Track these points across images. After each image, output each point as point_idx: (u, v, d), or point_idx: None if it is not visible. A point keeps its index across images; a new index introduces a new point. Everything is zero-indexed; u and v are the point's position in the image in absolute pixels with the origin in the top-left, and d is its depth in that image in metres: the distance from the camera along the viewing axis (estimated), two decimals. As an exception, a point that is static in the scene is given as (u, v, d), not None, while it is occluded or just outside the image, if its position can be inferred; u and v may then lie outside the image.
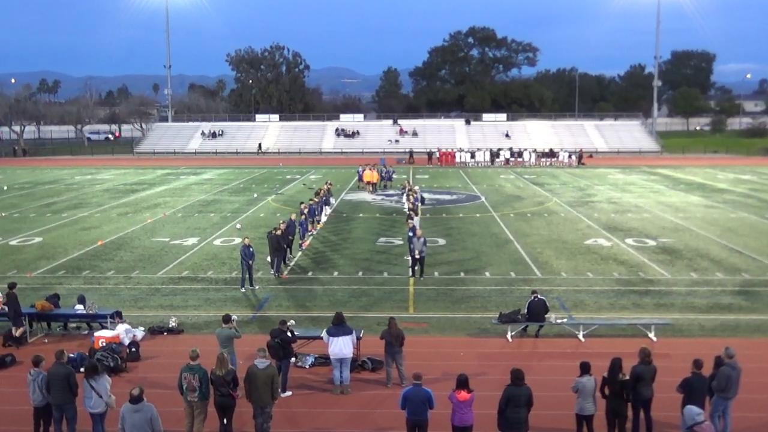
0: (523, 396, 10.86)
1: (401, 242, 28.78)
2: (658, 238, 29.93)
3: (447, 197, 44.36)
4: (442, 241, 29.38)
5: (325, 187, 37.48)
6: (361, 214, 37.26)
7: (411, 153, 76.11)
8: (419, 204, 35.16)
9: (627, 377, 11.60)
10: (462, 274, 23.74)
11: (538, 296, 17.34)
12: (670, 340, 17.06)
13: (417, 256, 22.94)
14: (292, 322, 15.28)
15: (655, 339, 16.98)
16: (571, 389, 11.79)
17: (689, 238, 29.86)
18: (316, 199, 33.41)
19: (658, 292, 21.48)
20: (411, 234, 23.82)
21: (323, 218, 34.66)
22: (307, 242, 29.15)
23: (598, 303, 20.32)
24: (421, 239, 22.97)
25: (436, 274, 23.75)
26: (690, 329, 17.90)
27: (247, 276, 21.87)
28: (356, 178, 53.70)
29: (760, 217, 35.28)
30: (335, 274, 23.97)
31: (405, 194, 38.52)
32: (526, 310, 17.36)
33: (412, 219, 26.97)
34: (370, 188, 47.26)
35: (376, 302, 20.49)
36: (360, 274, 23.90)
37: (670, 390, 12.01)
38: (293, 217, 26.77)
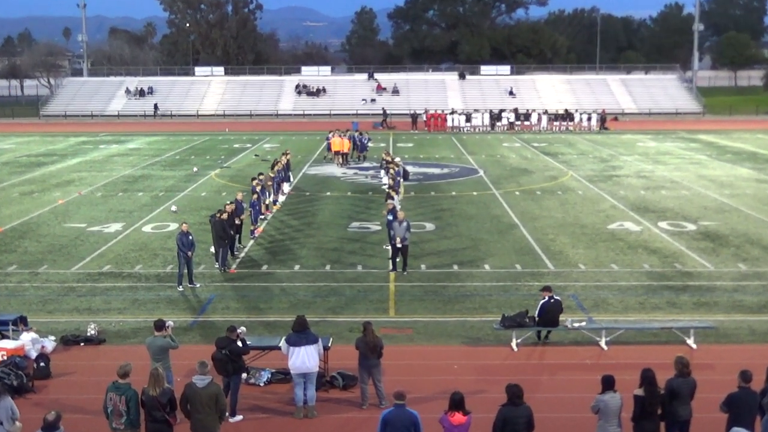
0: (521, 418, 10.92)
1: (379, 227, 28.93)
2: (698, 220, 30.27)
3: (436, 171, 44.44)
4: (430, 226, 29.55)
5: (283, 159, 37.31)
6: (328, 193, 37.22)
7: (386, 114, 75.73)
8: (401, 180, 35.25)
9: (660, 392, 11.70)
10: (455, 268, 23.88)
11: (554, 297, 17.48)
12: (713, 347, 17.25)
13: (399, 245, 23.01)
14: (243, 329, 15.26)
15: (694, 346, 17.18)
16: (591, 409, 11.83)
17: (737, 221, 30.19)
18: (272, 174, 33.30)
19: (698, 288, 21.71)
20: (391, 218, 23.88)
21: (281, 198, 34.62)
22: (261, 228, 29.16)
23: (624, 302, 20.50)
24: (404, 224, 23.00)
25: (422, 267, 23.88)
26: (737, 334, 18.08)
27: (186, 271, 21.90)
28: (323, 147, 53.82)
29: (826, 195, 35.97)
30: (296, 268, 24.03)
31: (383, 167, 38.52)
32: (537, 313, 17.48)
33: (392, 199, 26.95)
34: (340, 160, 47.21)
35: (348, 303, 20.60)
36: (327, 267, 23.99)
37: (712, 408, 12.10)
38: (240, 196, 26.65)
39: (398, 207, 25.93)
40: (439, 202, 34.68)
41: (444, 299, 20.86)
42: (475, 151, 54.35)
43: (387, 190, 30.11)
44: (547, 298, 17.34)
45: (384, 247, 25.85)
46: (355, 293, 21.41)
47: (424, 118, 72.19)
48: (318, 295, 21.25)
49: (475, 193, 36.57)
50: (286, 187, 36.32)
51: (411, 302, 20.61)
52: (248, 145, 59.08)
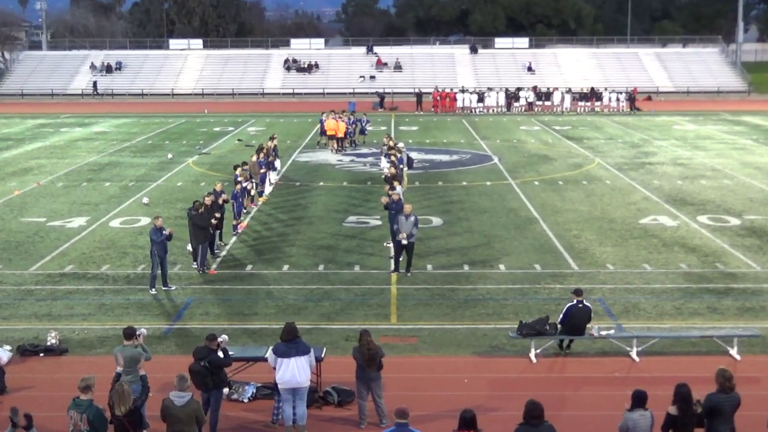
0: (540, 440, 11.08)
1: (379, 222, 28.99)
2: (743, 214, 30.24)
3: (444, 158, 44.51)
4: (437, 221, 29.59)
5: (270, 144, 37.16)
6: (321, 183, 37.27)
7: (383, 96, 75.81)
8: (405, 168, 35.24)
9: (699, 408, 11.74)
10: (466, 268, 23.91)
11: (584, 302, 17.45)
12: (760, 358, 17.24)
13: (404, 243, 23.05)
14: (225, 337, 15.29)
15: (738, 357, 17.14)
16: (619, 429, 11.86)
17: (788, 215, 30.56)
18: (255, 159, 33.21)
19: (743, 291, 21.68)
20: (393, 211, 24.05)
21: (267, 189, 34.63)
22: (245, 223, 29.24)
23: (658, 307, 20.53)
24: (411, 218, 23.12)
25: (429, 267, 23.90)
26: (788, 343, 18.30)
27: (159, 272, 21.94)
28: (315, 130, 53.62)
29: None
30: (285, 268, 24.04)
31: (384, 154, 38.46)
32: (560, 319, 17.47)
33: (394, 189, 26.98)
34: (335, 145, 47.22)
35: (344, 308, 20.64)
36: (320, 268, 24.01)
37: (759, 428, 12.25)
38: (218, 187, 26.62)
39: (402, 199, 26.00)
40: (448, 193, 34.75)
41: (453, 304, 20.87)
42: (488, 135, 54.35)
43: (389, 180, 30.07)
44: (575, 301, 17.34)
45: (385, 244, 25.94)
46: (352, 297, 21.44)
47: (432, 98, 72.68)
48: (310, 300, 21.26)
49: (488, 183, 36.58)
50: (273, 177, 36.37)
51: (415, 307, 20.63)
52: (230, 129, 59.11)
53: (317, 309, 20.54)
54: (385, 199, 25.59)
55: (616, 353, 17.51)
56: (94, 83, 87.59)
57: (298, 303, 21.00)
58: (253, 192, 31.58)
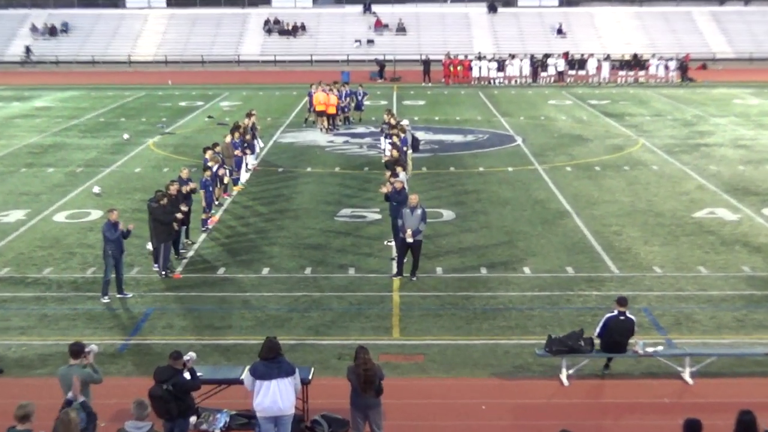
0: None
1: (379, 216, 29.17)
2: (818, 206, 30.78)
3: (457, 139, 44.63)
4: (448, 215, 29.69)
5: (247, 121, 37.07)
6: (309, 169, 37.45)
7: (382, 64, 75.43)
8: (409, 151, 35.15)
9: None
10: (483, 271, 23.98)
11: (626, 313, 17.47)
12: (839, 380, 17.60)
13: (409, 241, 23.10)
14: (192, 355, 15.23)
15: (812, 379, 17.50)
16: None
17: None
18: (229, 140, 33.12)
19: (818, 299, 22.11)
20: (396, 202, 24.20)
21: (243, 175, 34.66)
22: (216, 217, 29.34)
23: (716, 319, 20.52)
24: (418, 212, 23.16)
25: (438, 270, 24.01)
26: None
27: (114, 276, 21.96)
28: (301, 105, 53.61)
29: None
30: (265, 271, 24.13)
31: (385, 134, 38.42)
32: (597, 332, 17.42)
33: (397, 176, 26.89)
34: (326, 123, 47.16)
35: (337, 320, 20.69)
36: (308, 271, 24.10)
37: (838, 465, 12.20)
38: (184, 174, 26.59)
39: (407, 187, 25.97)
40: (462, 181, 34.82)
41: (468, 315, 20.91)
42: (510, 111, 54.31)
43: (390, 165, 30.02)
44: (616, 312, 17.36)
45: (386, 243, 26.06)
46: (346, 307, 21.48)
47: (442, 67, 72.31)
48: (295, 310, 21.28)
49: (510, 170, 36.67)
50: (250, 161, 36.27)
51: (422, 319, 20.67)
52: (199, 104, 59.21)
53: (304, 321, 20.53)
54: (385, 189, 25.51)
55: (665, 374, 17.47)
56: (27, 48, 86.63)
57: (281, 314, 21.01)
58: (226, 180, 31.51)
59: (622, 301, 17.54)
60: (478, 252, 25.60)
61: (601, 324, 17.42)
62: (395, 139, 33.75)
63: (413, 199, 23.53)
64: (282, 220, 29.18)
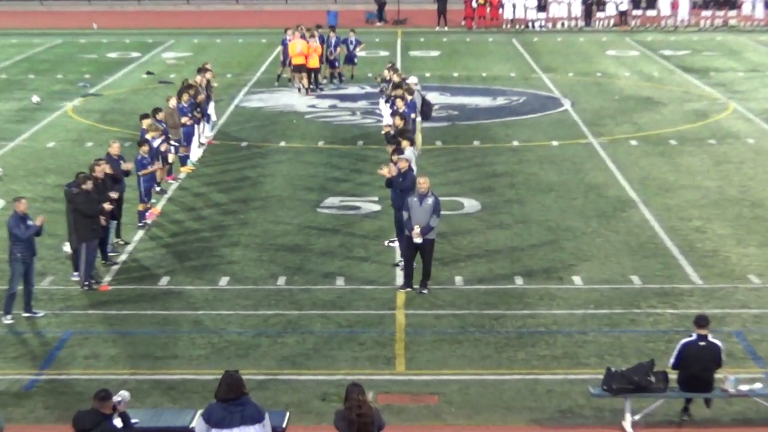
0: None
1: (377, 207, 29.44)
2: None
3: (484, 102, 44.94)
4: (472, 205, 29.84)
5: (200, 79, 36.91)
6: (282, 143, 37.87)
7: (382, 2, 73.91)
8: (419, 119, 35.05)
9: None
10: (519, 282, 24.01)
11: (709, 337, 17.33)
12: None
13: (417, 241, 23.01)
14: (125, 395, 15.08)
15: None
16: None
17: None
18: (175, 105, 33.00)
19: None
20: (401, 189, 24.11)
21: (195, 152, 34.82)
22: (158, 209, 29.56)
23: (835, 347, 20.35)
24: (428, 200, 23.12)
25: (458, 281, 24.06)
26: None
27: (21, 287, 21.90)
28: (273, 57, 53.85)
29: None
30: (223, 281, 24.16)
31: (386, 97, 38.21)
32: (672, 362, 17.32)
33: (402, 153, 26.75)
34: (306, 82, 47.08)
35: (320, 348, 20.59)
36: (281, 282, 24.16)
37: None
38: (115, 149, 26.45)
39: (415, 168, 25.81)
40: (489, 160, 34.99)
41: (497, 340, 20.77)
42: (554, 65, 54.59)
43: (392, 137, 29.94)
44: (695, 336, 17.25)
45: (387, 243, 26.16)
46: (333, 330, 21.38)
47: (463, 6, 71.37)
48: (264, 333, 21.18)
49: (555, 144, 36.93)
50: (205, 133, 36.21)
51: (436, 346, 20.52)
52: (134, 55, 59.60)
53: (276, 349, 20.39)
54: (386, 170, 25.43)
55: (764, 420, 17.34)
56: None
57: (245, 339, 20.90)
58: (171, 158, 31.44)
59: (702, 322, 17.46)
60: (511, 255, 25.61)
61: (676, 352, 17.21)
62: (399, 103, 33.55)
63: (423, 184, 23.24)
64: (247, 213, 29.26)
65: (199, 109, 34.96)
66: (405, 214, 23.11)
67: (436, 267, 23.54)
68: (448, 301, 22.69)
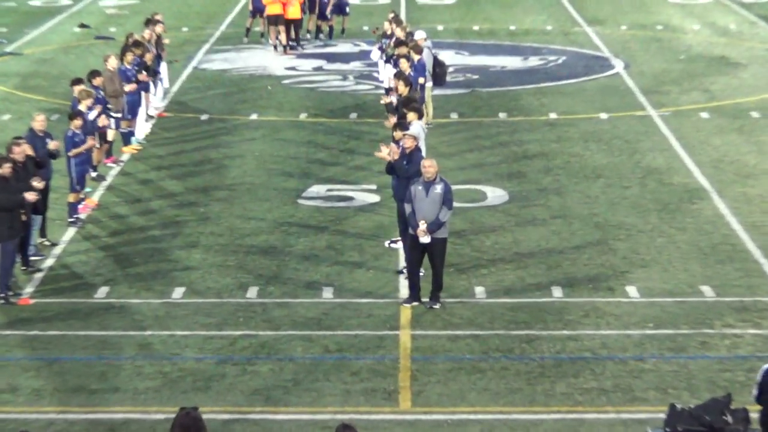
0: None
1: (376, 197, 30.09)
2: None
3: (512, 64, 46.52)
4: (496, 195, 30.33)
5: (148, 34, 37.04)
6: (254, 116, 38.83)
7: None
8: (428, 84, 35.19)
9: None
10: (557, 293, 24.16)
11: None
12: None
13: (423, 241, 23.06)
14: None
15: None
16: None
17: None
18: (115, 67, 33.10)
19: None
20: (405, 175, 24.19)
21: (142, 127, 35.04)
22: (94, 201, 29.97)
23: None
24: (437, 188, 23.14)
25: (478, 292, 24.22)
26: None
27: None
28: (242, 7, 54.83)
29: None
30: (177, 293, 24.33)
31: (388, 57, 38.34)
32: (754, 394, 17.32)
33: (406, 128, 26.83)
34: (284, 38, 47.52)
35: (302, 379, 20.50)
36: (251, 293, 24.33)
37: None
38: (39, 124, 26.58)
39: (423, 148, 25.86)
40: (519, 137, 35.65)
41: (529, 369, 20.71)
42: (602, 15, 55.26)
43: (392, 103, 30.01)
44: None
45: (389, 244, 26.46)
46: (319, 355, 21.37)
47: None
48: (229, 360, 21.15)
49: (604, 117, 37.60)
50: (153, 103, 36.37)
51: (451, 376, 20.45)
52: (64, 2, 60.00)
53: (245, 380, 20.31)
54: (387, 151, 25.43)
55: None
56: None
57: (206, 367, 20.82)
58: (111, 135, 31.62)
59: None
60: (547, 260, 25.81)
61: (759, 383, 16.78)
62: (404, 64, 33.79)
63: (429, 167, 23.30)
64: (208, 205, 29.68)
65: (147, 73, 35.10)
66: (408, 207, 23.20)
67: (451, 275, 23.70)
68: (466, 319, 22.70)
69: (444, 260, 23.35)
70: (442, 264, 23.30)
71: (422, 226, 22.77)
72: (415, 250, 23.25)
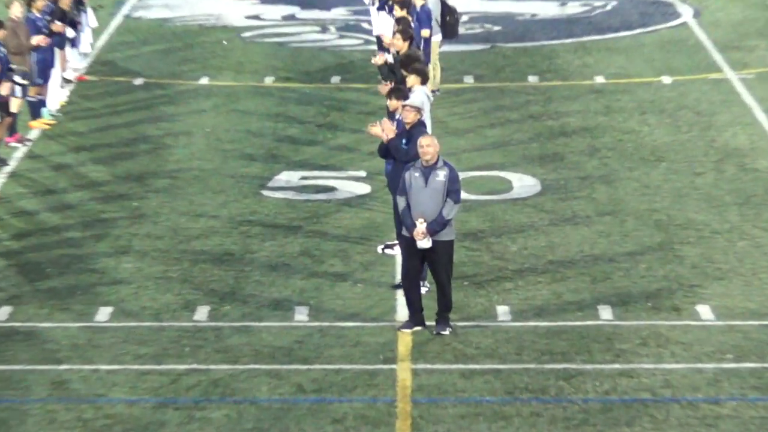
0: None
1: (366, 187, 30.58)
2: None
3: (544, 11, 45.69)
4: (524, 184, 30.69)
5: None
6: (204, 80, 39.83)
7: None
8: (435, 38, 35.03)
9: None
10: (606, 314, 23.82)
11: None
12: None
13: (422, 245, 22.65)
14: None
15: None
16: None
17: None
18: (19, 15, 32.94)
19: None
20: (401, 158, 24.11)
21: (56, 94, 34.43)
22: None
23: None
24: (439, 175, 22.70)
25: (500, 312, 24.04)
26: None
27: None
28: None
29: None
30: (102, 315, 24.12)
31: (380, 2, 38.18)
32: None
33: (406, 96, 26.57)
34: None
35: (271, 427, 19.87)
36: (202, 315, 24.12)
37: None
38: None
39: (428, 123, 25.59)
40: (555, 107, 35.98)
41: (568, 415, 19.95)
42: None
43: (387, 63, 29.85)
44: None
45: (381, 250, 26.42)
46: (291, 397, 20.67)
47: None
48: (172, 403, 20.52)
49: (666, 81, 37.55)
50: (72, 63, 36.11)
51: (464, 424, 19.69)
52: None
53: (192, 429, 19.63)
54: (381, 128, 25.05)
55: None
56: None
57: (140, 413, 20.11)
58: (15, 105, 31.41)
59: None
60: (592, 270, 25.68)
61: None
62: (399, 11, 33.54)
63: (427, 147, 22.74)
64: (143, 198, 29.47)
65: (63, 22, 34.89)
66: (401, 201, 22.79)
67: (465, 290, 23.45)
68: (484, 349, 22.05)
69: (451, 271, 22.89)
70: (448, 276, 22.78)
71: (420, 225, 22.33)
72: (412, 258, 22.68)
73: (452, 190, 22.52)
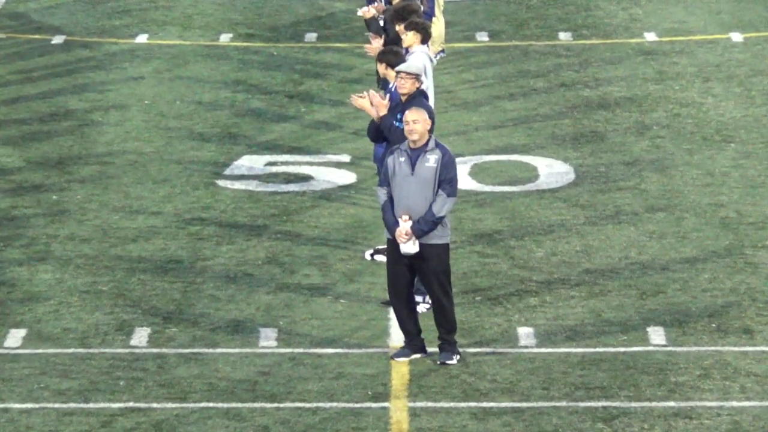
0: None
1: (350, 178, 31.69)
2: None
3: None
4: (553, 171, 31.76)
5: None
6: (143, 38, 41.65)
7: None
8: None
9: None
10: (657, 338, 23.72)
11: None
12: None
13: (406, 251, 22.77)
14: None
15: None
16: None
17: None
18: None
19: None
20: (395, 139, 24.08)
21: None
22: None
23: None
24: (430, 160, 22.60)
25: (522, 334, 24.03)
26: None
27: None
28: None
29: None
30: (13, 340, 24.19)
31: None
32: None
33: (401, 60, 26.81)
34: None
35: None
36: (141, 339, 24.06)
37: None
38: None
39: (431, 95, 25.82)
40: (592, 73, 36.00)
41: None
42: None
43: (376, 17, 30.19)
44: None
45: (370, 255, 27.00)
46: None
47: None
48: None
49: (736, 38, 37.86)
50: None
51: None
52: None
53: None
54: (369, 100, 25.28)
55: None
56: None
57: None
58: None
59: None
60: (639, 281, 25.87)
61: None
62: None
63: (413, 123, 22.52)
64: (66, 190, 29.60)
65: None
66: (382, 193, 22.93)
67: (476, 307, 23.71)
68: (502, 382, 21.88)
69: (447, 282, 22.76)
70: (444, 289, 22.64)
71: (404, 224, 22.54)
72: (397, 264, 22.71)
73: (445, 179, 22.43)
